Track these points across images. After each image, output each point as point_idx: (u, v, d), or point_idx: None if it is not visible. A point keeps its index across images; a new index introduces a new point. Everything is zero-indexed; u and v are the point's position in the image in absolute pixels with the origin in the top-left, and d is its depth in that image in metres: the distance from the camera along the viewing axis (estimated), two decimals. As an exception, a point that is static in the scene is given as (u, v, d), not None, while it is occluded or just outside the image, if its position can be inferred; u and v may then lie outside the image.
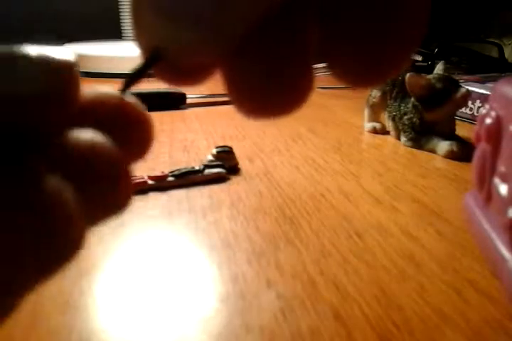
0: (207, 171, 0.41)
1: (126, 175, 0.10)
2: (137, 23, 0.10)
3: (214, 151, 0.44)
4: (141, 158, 0.11)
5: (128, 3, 0.10)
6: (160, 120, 0.62)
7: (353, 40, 0.10)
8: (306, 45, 0.11)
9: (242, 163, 0.45)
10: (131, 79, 0.11)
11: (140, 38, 0.10)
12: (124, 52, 0.93)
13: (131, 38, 0.11)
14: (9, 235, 0.08)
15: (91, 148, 0.10)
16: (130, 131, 0.11)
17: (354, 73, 0.11)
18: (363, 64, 0.10)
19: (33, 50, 0.09)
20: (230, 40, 0.10)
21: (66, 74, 0.09)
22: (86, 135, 0.10)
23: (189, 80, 0.11)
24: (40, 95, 0.09)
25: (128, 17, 1.14)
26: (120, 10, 1.15)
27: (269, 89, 0.11)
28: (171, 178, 0.39)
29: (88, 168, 0.09)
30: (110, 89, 0.11)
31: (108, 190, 0.10)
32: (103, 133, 0.10)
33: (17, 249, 0.08)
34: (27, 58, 0.09)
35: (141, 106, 0.11)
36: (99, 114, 0.10)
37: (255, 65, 0.10)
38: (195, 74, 0.11)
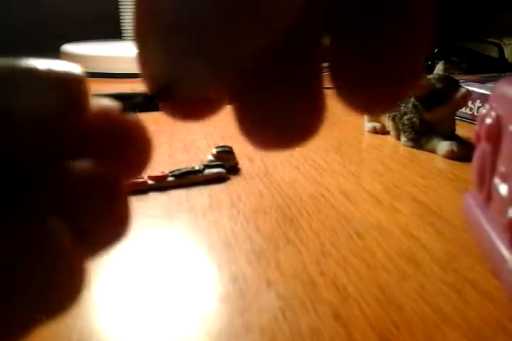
0: (207, 171, 0.41)
1: (125, 208, 0.10)
2: (143, 59, 0.10)
3: (214, 151, 0.44)
4: (136, 175, 0.11)
5: (132, 37, 0.10)
6: (160, 120, 0.62)
7: (362, 60, 0.10)
8: (318, 71, 0.10)
9: (242, 163, 0.45)
10: (133, 106, 0.10)
11: (147, 73, 0.10)
12: (124, 52, 0.93)
13: (132, 44, 0.10)
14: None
15: (90, 182, 0.09)
16: (128, 148, 0.10)
17: (363, 94, 0.10)
18: (371, 83, 0.10)
19: (42, 65, 0.08)
20: (237, 69, 0.09)
21: (77, 90, 0.09)
22: (84, 165, 0.09)
23: (197, 116, 0.11)
24: (53, 113, 0.08)
25: (129, 24, 1.14)
26: (120, 10, 1.15)
27: (281, 119, 0.10)
28: (171, 178, 0.39)
29: (86, 203, 0.09)
30: (111, 102, 0.10)
31: (107, 223, 0.10)
32: (100, 147, 0.10)
33: (11, 297, 0.08)
34: (39, 74, 0.08)
35: (142, 124, 0.11)
36: (99, 128, 0.10)
37: (265, 95, 0.10)
38: (203, 110, 0.11)
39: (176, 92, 0.10)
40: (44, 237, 0.08)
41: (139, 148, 0.10)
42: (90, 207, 0.09)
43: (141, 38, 0.10)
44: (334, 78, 0.10)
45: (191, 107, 0.11)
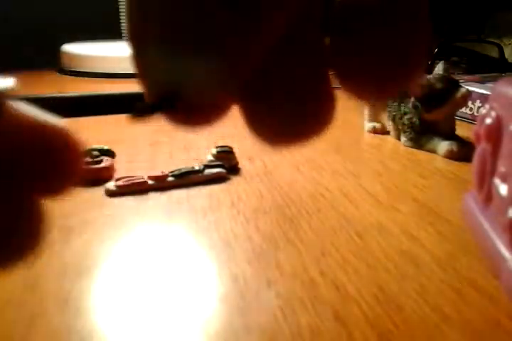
0: (207, 171, 0.41)
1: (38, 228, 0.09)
2: (142, 62, 0.09)
3: (214, 151, 0.44)
4: (60, 194, 0.10)
5: (127, 36, 0.09)
6: (160, 119, 0.62)
7: (364, 52, 0.09)
8: (323, 64, 0.10)
9: (242, 163, 0.45)
10: (135, 115, 0.09)
11: (147, 78, 0.09)
12: (124, 52, 0.93)
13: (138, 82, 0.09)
14: None
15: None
16: (52, 161, 0.09)
17: (365, 82, 0.10)
18: (372, 71, 0.10)
19: None
20: (251, 68, 0.09)
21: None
22: None
23: (203, 122, 0.10)
24: None
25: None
26: (120, 10, 1.15)
27: (291, 115, 0.10)
28: (171, 178, 0.39)
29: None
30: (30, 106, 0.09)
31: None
32: (20, 160, 0.08)
33: None
34: None
35: (67, 133, 0.09)
36: (19, 137, 0.09)
37: (274, 92, 0.10)
38: (209, 115, 0.10)
39: (183, 98, 0.09)
40: None
41: (63, 160, 0.09)
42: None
43: (139, 37, 0.09)
44: (336, 64, 0.10)
45: (197, 114, 0.10)
